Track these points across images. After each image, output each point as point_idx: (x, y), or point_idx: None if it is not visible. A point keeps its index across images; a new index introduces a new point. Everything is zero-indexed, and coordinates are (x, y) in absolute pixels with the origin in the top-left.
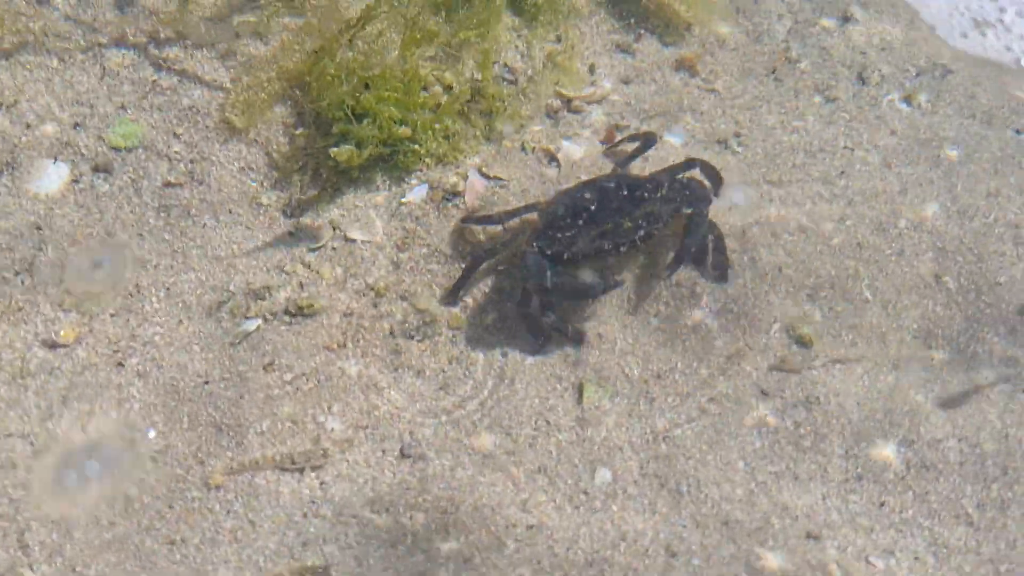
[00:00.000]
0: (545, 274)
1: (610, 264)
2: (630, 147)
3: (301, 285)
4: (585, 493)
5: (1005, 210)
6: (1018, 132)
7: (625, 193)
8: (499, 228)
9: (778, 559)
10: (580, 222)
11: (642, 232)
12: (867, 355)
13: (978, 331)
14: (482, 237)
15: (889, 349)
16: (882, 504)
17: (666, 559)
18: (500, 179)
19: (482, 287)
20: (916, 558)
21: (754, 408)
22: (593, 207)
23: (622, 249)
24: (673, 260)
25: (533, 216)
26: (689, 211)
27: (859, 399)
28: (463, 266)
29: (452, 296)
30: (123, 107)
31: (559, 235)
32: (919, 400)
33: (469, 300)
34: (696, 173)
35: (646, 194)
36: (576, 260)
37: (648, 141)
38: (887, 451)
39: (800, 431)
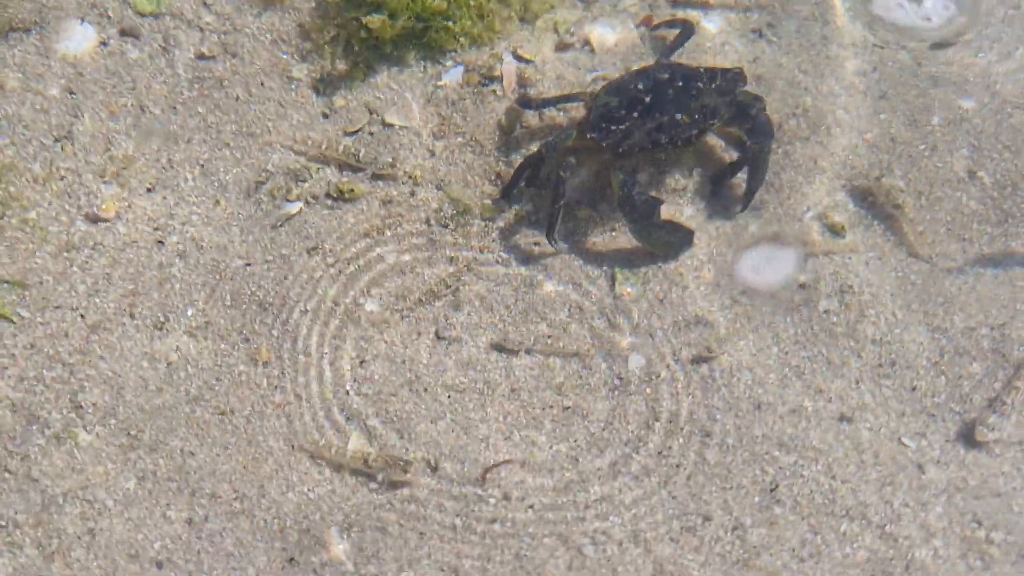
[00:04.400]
0: (654, 214)
1: (663, 158)
2: (669, 35)
3: (340, 169)
4: (620, 378)
5: None
6: None
7: (680, 84)
8: (537, 117)
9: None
10: (635, 114)
11: (698, 128)
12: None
13: (1012, 226)
14: (523, 125)
15: (923, 240)
16: (914, 388)
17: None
18: (533, 62)
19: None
20: (948, 440)
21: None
22: (648, 99)
23: (679, 144)
24: (744, 199)
25: (578, 106)
26: (754, 144)
27: (894, 289)
28: (513, 167)
29: (505, 199)
30: None
31: (613, 127)
32: (952, 291)
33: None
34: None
35: (700, 84)
36: (630, 153)
37: (687, 30)
38: (920, 337)
39: (834, 318)
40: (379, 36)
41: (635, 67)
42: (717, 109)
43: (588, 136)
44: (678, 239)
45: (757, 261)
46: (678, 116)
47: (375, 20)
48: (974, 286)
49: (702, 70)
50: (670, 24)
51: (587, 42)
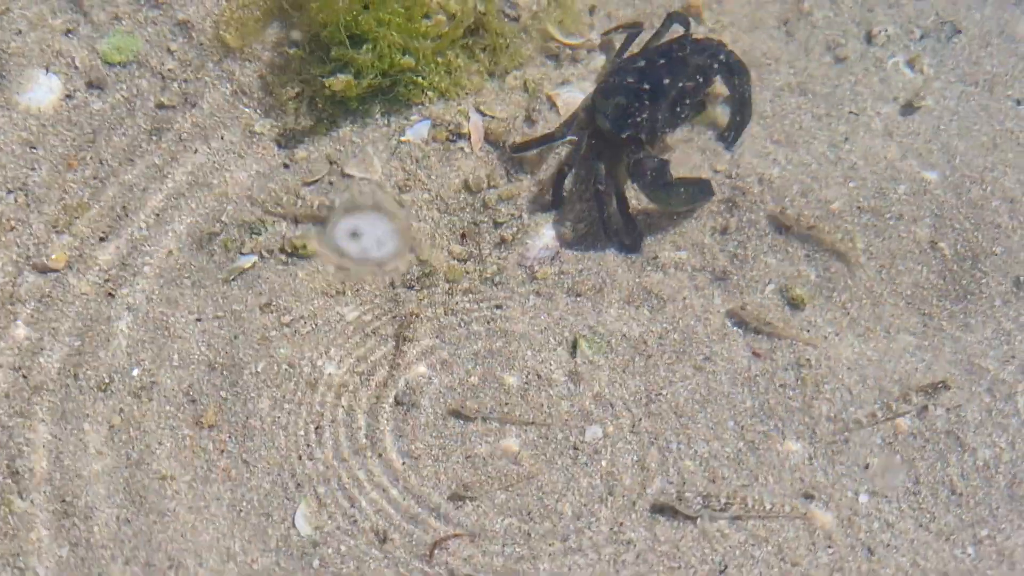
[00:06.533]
0: (666, 171)
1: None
2: (619, 38)
3: (296, 221)
4: (575, 448)
5: (1002, 183)
6: (1018, 103)
7: (663, 62)
8: (556, 144)
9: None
10: (647, 101)
11: (703, 89)
12: (860, 319)
13: (972, 301)
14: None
15: (882, 314)
16: (867, 466)
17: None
18: (499, 118)
19: (487, 238)
20: (899, 520)
21: (746, 369)
22: (649, 84)
23: (695, 108)
24: (733, 135)
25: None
26: (737, 83)
27: (850, 364)
28: (551, 186)
29: (556, 206)
30: (117, 18)
31: (638, 118)
32: (908, 368)
33: (474, 250)
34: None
35: (679, 54)
36: (662, 134)
37: (635, 31)
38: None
39: (789, 393)
40: (344, 94)
41: (605, 70)
42: (706, 66)
43: (622, 137)
44: (697, 190)
45: None
46: (684, 84)
47: (339, 81)
48: (930, 365)
49: (671, 43)
50: (617, 30)
51: (552, 103)
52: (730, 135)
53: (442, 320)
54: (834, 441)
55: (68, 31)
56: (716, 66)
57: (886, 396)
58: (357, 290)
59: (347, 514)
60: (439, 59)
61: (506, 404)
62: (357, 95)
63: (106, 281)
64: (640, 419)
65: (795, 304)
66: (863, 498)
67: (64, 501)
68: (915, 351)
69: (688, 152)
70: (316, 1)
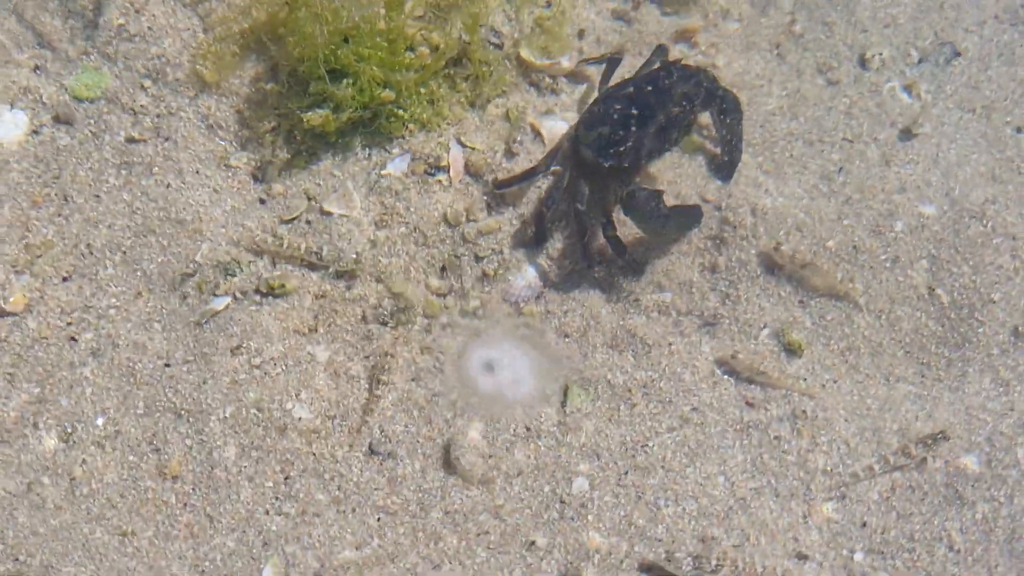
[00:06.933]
0: (661, 203)
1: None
2: (599, 68)
3: (273, 261)
4: (562, 502)
5: (1003, 218)
6: (1018, 131)
7: (651, 88)
8: (539, 178)
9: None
10: (634, 129)
11: (691, 114)
12: (858, 367)
13: (970, 349)
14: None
15: (881, 361)
16: (864, 524)
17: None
18: (479, 150)
19: (468, 272)
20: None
21: (738, 420)
22: (636, 111)
23: (683, 134)
24: (726, 171)
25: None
26: (730, 120)
27: (847, 414)
28: (533, 224)
29: (538, 246)
30: (86, 53)
31: (622, 148)
32: (908, 417)
33: (455, 283)
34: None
35: (666, 82)
36: (649, 161)
37: (615, 60)
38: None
39: (784, 446)
40: (323, 129)
41: (589, 99)
42: (693, 94)
43: (606, 166)
44: (690, 218)
45: None
46: (673, 111)
47: (316, 117)
48: (931, 413)
49: (657, 70)
50: (599, 61)
51: (536, 132)
52: (723, 172)
53: (418, 361)
54: (831, 496)
55: (36, 67)
56: (703, 94)
57: (884, 448)
58: (329, 325)
59: (317, 575)
60: (421, 90)
61: (490, 456)
62: (337, 129)
63: (68, 324)
64: (627, 471)
65: (792, 350)
66: (858, 556)
67: (18, 560)
68: (915, 399)
69: (676, 181)
70: (294, 35)
